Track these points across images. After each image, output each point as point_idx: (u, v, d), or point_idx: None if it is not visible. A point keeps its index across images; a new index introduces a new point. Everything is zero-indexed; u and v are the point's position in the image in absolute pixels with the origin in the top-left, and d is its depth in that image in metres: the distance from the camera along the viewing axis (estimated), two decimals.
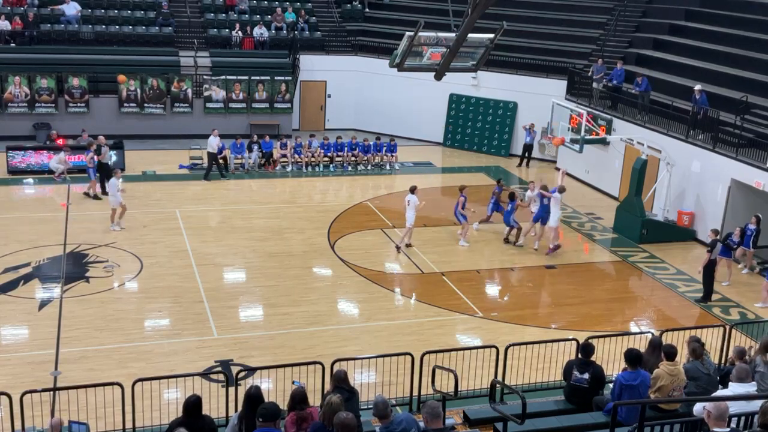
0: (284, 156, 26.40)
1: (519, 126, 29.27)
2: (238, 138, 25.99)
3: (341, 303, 17.04)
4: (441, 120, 30.79)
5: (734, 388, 8.49)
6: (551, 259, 19.69)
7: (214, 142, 24.53)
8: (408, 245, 19.95)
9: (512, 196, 20.61)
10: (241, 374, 11.62)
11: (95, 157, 22.59)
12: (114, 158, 23.26)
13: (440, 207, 22.34)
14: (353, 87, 31.57)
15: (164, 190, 23.27)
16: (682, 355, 10.56)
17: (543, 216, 20.01)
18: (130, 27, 30.58)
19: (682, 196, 22.05)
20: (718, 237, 18.05)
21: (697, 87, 22.51)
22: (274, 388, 11.07)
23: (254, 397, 8.36)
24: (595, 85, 26.29)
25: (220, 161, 25.11)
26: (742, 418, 7.81)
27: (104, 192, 22.48)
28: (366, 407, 10.31)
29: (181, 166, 25.76)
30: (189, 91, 28.87)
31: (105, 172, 22.55)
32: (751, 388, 8.58)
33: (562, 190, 20.05)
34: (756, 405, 7.50)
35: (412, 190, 19.79)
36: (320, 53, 31.82)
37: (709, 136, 21.45)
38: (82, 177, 23.65)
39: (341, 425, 7.13)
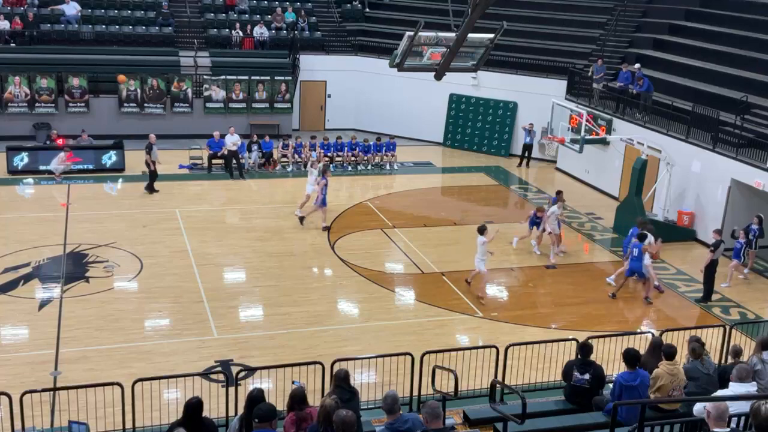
0: (284, 156, 26.41)
1: (519, 126, 29.27)
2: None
3: (341, 303, 17.03)
4: (441, 120, 30.77)
5: (735, 387, 8.48)
6: (551, 259, 19.69)
7: (230, 141, 24.98)
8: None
9: (540, 210, 19.73)
10: (241, 374, 11.61)
11: (147, 158, 22.72)
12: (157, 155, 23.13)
13: (440, 207, 22.33)
14: (353, 87, 31.55)
15: (164, 190, 23.23)
16: (682, 355, 10.57)
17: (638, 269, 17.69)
18: (130, 27, 30.58)
19: (682, 196, 22.04)
20: (721, 237, 18.04)
21: (636, 65, 23.19)
22: (274, 388, 11.05)
23: (256, 399, 8.28)
24: (595, 85, 26.29)
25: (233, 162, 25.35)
26: (742, 418, 7.80)
27: (151, 189, 22.92)
28: (366, 407, 10.32)
29: (181, 166, 25.75)
30: (189, 91, 28.86)
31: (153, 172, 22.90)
32: (751, 387, 8.57)
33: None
34: None
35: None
36: (320, 53, 31.81)
37: (709, 136, 21.45)
38: (80, 177, 23.70)
39: (341, 423, 7.12)
